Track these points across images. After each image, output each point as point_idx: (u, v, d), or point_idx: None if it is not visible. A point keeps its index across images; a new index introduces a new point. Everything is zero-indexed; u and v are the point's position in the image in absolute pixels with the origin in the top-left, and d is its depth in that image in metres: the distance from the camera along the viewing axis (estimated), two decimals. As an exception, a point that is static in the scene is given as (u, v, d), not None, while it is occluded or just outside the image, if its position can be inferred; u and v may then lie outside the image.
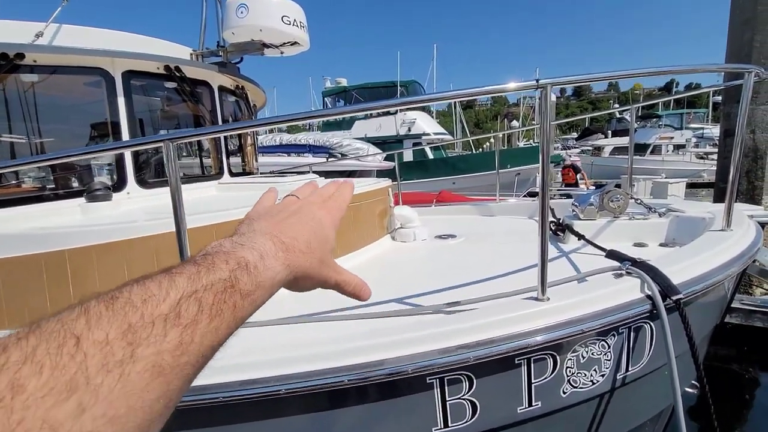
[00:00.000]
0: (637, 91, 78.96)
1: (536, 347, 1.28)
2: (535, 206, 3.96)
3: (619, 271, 1.51)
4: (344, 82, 19.63)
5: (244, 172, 3.96)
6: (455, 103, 34.34)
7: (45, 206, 2.29)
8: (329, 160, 10.58)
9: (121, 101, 2.49)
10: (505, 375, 1.32)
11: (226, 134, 2.72)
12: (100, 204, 2.30)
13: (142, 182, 2.62)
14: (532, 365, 1.33)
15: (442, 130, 17.01)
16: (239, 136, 4.12)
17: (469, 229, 3.31)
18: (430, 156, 15.41)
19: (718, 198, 5.76)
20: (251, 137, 3.95)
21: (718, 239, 1.76)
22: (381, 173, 10.96)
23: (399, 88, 16.69)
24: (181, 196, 1.19)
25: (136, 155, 2.57)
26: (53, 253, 1.82)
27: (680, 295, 1.35)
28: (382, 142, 15.01)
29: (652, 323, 1.46)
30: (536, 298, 1.36)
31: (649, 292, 1.41)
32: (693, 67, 1.75)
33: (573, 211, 2.80)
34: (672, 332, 1.34)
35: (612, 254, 1.73)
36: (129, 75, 2.53)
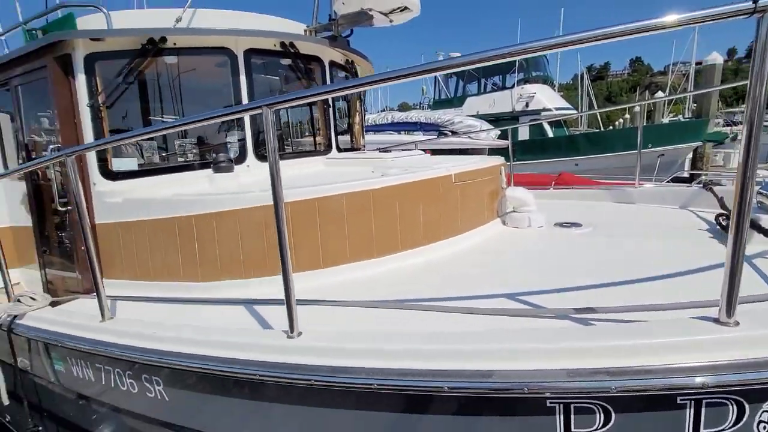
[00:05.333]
0: None
1: (714, 387, 0.92)
2: (690, 193, 3.17)
3: None
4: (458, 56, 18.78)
5: (353, 149, 3.99)
6: (582, 74, 30.34)
7: (184, 175, 2.57)
8: (439, 137, 10.31)
9: (243, 80, 2.63)
10: (659, 416, 0.99)
11: (323, 97, 2.73)
12: (224, 175, 2.49)
13: (260, 156, 2.77)
14: (704, 410, 0.97)
15: (566, 105, 15.19)
16: (348, 112, 4.15)
17: (599, 218, 2.78)
18: (550, 134, 13.93)
19: None
20: (359, 115, 3.93)
21: None
22: (493, 152, 10.31)
23: (517, 60, 15.29)
24: (278, 162, 1.12)
25: (255, 132, 2.72)
26: (183, 217, 2.03)
27: None
28: (495, 120, 14.05)
29: None
30: (717, 320, 0.97)
31: None
32: None
33: (758, 203, 2.11)
34: None
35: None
36: (250, 53, 2.65)
